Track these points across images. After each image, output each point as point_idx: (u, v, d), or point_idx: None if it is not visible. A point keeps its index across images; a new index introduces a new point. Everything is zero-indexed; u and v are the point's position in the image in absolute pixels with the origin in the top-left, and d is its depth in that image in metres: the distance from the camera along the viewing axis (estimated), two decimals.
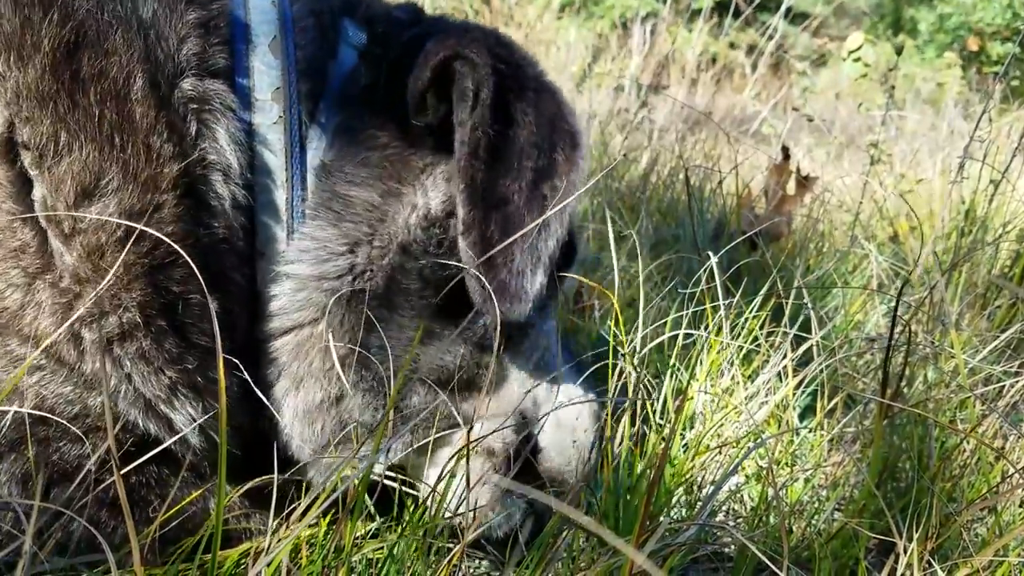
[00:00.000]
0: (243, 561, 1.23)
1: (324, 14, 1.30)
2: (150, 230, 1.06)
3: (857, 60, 3.70)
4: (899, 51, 3.22)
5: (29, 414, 1.10)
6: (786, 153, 3.20)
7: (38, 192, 1.06)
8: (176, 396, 1.17)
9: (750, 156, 4.45)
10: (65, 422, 1.11)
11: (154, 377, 1.14)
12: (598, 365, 1.57)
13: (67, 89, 1.06)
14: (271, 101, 1.21)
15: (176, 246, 1.07)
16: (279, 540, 1.03)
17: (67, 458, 1.15)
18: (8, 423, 1.10)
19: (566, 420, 1.40)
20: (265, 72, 1.22)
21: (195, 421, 1.18)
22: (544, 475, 1.39)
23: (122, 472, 0.90)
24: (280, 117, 1.21)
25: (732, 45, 10.06)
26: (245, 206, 1.20)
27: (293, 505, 1.05)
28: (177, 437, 1.15)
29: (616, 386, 1.51)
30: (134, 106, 1.09)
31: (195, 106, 1.14)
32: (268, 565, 1.00)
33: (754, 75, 7.17)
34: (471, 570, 1.40)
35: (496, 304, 1.19)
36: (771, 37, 7.25)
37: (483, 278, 1.19)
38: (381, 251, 1.24)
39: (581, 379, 1.48)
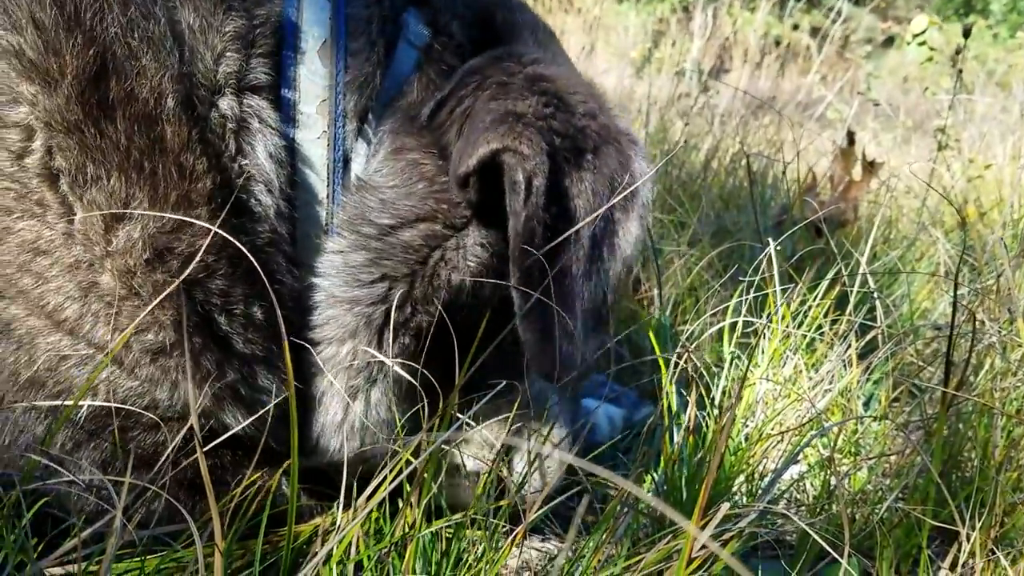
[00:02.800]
0: (313, 538, 1.27)
1: (380, 15, 1.23)
2: (199, 222, 1.07)
3: (922, 44, 3.62)
4: (967, 33, 3.13)
5: (103, 406, 1.14)
6: (851, 138, 3.16)
7: (78, 214, 1.08)
8: (222, 405, 1.19)
9: (814, 141, 4.39)
10: (140, 411, 1.14)
11: (197, 389, 1.16)
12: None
13: (93, 118, 1.05)
14: (316, 115, 1.17)
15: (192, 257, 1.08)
16: (351, 520, 1.06)
17: (143, 445, 1.20)
18: (85, 415, 1.14)
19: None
20: (312, 82, 1.17)
21: (242, 423, 1.18)
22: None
23: (197, 455, 0.93)
24: (324, 132, 1.18)
25: (795, 27, 9.90)
26: (288, 216, 1.19)
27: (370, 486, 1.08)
28: (231, 433, 1.16)
29: (674, 376, 1.52)
30: (164, 127, 1.08)
31: (232, 125, 1.13)
32: (339, 542, 1.04)
33: (819, 58, 7.05)
34: (532, 552, 1.43)
35: (555, 372, 1.20)
36: (835, 20, 7.12)
37: (543, 355, 1.19)
38: (423, 292, 1.21)
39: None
